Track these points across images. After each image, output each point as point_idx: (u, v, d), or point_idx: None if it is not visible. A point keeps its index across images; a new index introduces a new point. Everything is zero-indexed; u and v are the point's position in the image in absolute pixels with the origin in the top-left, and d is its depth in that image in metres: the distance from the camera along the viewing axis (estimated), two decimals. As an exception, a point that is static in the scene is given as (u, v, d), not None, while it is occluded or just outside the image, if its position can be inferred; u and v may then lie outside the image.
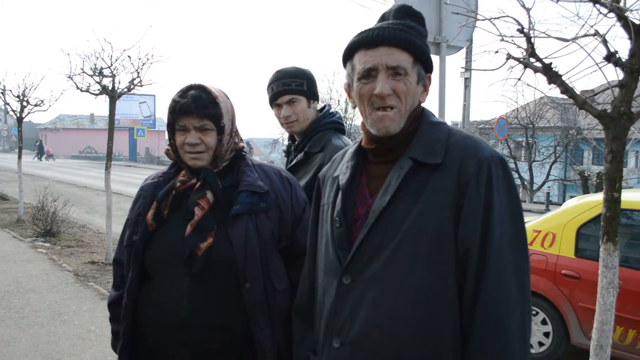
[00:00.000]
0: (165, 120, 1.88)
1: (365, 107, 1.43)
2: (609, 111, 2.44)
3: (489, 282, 1.27)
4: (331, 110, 2.55)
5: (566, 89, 2.50)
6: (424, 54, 1.44)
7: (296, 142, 2.50)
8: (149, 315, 1.79)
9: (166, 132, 1.87)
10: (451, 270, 1.31)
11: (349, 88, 1.51)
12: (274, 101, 2.45)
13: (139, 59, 7.69)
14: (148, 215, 1.82)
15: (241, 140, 1.97)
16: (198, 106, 1.75)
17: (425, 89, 1.49)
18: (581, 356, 4.61)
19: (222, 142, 1.83)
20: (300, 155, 2.44)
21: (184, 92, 1.80)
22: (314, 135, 2.43)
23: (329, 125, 2.46)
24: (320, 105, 2.59)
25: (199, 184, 1.82)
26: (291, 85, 2.41)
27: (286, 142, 2.73)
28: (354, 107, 1.52)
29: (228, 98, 1.90)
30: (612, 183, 2.41)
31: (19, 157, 11.71)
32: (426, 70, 1.47)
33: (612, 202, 2.44)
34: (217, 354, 1.75)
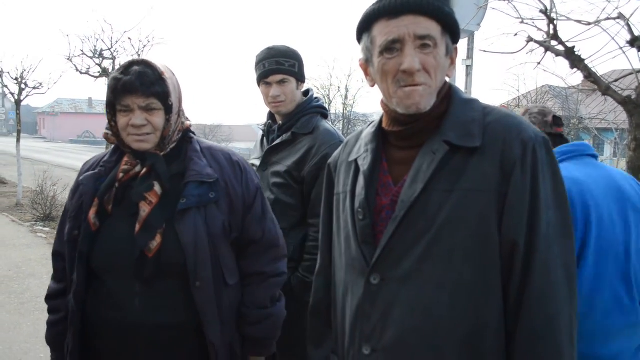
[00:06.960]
0: None
1: (389, 85, 1.27)
2: (633, 97, 2.36)
3: (536, 277, 1.16)
4: (315, 96, 2.54)
5: (589, 74, 2.42)
6: (453, 23, 1.29)
7: (280, 123, 2.48)
8: (99, 317, 1.69)
9: (105, 114, 1.68)
10: (495, 264, 1.20)
11: (366, 64, 1.34)
12: (264, 79, 2.41)
13: (140, 41, 7.65)
14: (90, 215, 1.67)
15: (187, 119, 1.82)
16: (143, 84, 1.58)
17: (453, 62, 1.33)
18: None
19: (170, 122, 1.67)
20: (286, 135, 2.42)
21: (125, 69, 1.62)
22: (302, 117, 2.42)
23: (315, 109, 2.47)
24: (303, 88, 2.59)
25: (144, 170, 1.67)
26: (284, 65, 2.38)
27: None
28: (372, 86, 1.35)
29: (174, 74, 1.75)
30: (635, 171, 2.34)
31: (18, 140, 11.58)
32: (453, 41, 1.32)
33: (635, 191, 2.38)
34: (170, 351, 1.68)
